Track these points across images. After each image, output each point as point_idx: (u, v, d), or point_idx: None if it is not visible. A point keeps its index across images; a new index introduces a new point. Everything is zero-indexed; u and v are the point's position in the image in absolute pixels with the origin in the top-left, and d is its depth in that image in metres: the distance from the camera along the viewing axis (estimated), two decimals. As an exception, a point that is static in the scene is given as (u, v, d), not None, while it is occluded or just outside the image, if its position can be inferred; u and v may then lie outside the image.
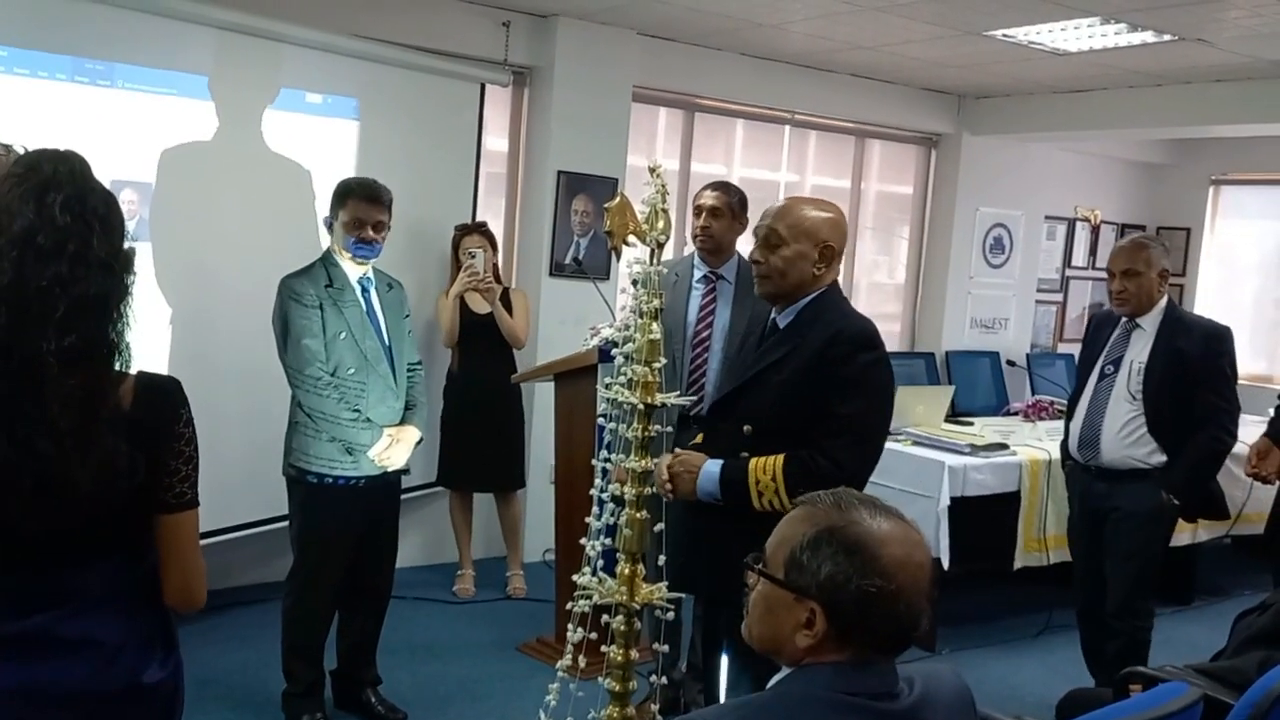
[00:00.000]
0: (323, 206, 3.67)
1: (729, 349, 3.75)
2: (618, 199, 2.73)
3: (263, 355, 3.66)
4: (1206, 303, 7.90)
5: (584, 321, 4.58)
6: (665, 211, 2.66)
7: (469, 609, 4.95)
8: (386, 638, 3.85)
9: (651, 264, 2.65)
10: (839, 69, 6.41)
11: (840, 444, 2.56)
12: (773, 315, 2.78)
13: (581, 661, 2.65)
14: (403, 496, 3.86)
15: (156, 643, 1.77)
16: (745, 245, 3.17)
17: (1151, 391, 3.77)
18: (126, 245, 1.71)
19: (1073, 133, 6.90)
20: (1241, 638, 2.85)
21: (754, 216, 3.03)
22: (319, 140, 4.64)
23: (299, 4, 4.65)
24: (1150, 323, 3.84)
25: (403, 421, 3.60)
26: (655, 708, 3.00)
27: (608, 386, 2.66)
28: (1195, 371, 3.74)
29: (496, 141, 5.61)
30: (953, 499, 4.57)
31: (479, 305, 4.94)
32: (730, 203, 3.92)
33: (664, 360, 2.66)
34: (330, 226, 3.57)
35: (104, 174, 1.74)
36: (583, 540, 2.72)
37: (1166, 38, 5.05)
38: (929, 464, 4.66)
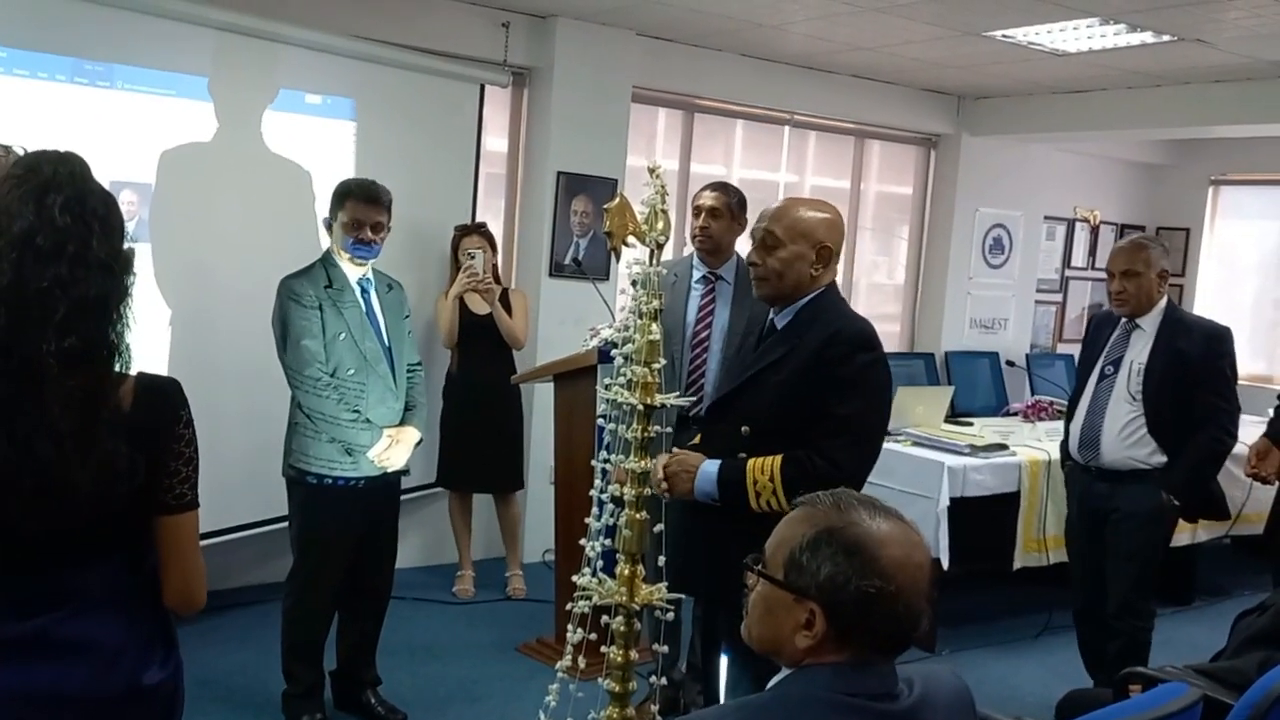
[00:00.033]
0: (322, 207, 3.67)
1: (728, 349, 3.75)
2: (617, 200, 2.72)
3: (262, 356, 3.66)
4: (1206, 303, 7.90)
5: (583, 322, 4.58)
6: (665, 212, 2.66)
7: (469, 610, 4.95)
8: (386, 638, 3.85)
9: (651, 265, 2.65)
10: (838, 70, 6.41)
11: (838, 444, 2.56)
12: (770, 316, 2.78)
13: (581, 662, 2.65)
14: (402, 497, 3.86)
15: (157, 644, 1.77)
16: (744, 246, 3.17)
17: (1151, 392, 3.77)
18: (126, 246, 1.71)
19: (1072, 133, 6.90)
20: (1241, 638, 2.86)
21: (753, 217, 3.03)
22: (318, 141, 4.64)
23: (298, 5, 4.65)
24: (1150, 323, 3.84)
25: (402, 422, 3.60)
26: (655, 708, 3.00)
27: (607, 387, 2.66)
28: (1195, 372, 3.74)
29: (496, 142, 5.61)
30: (952, 499, 4.57)
31: (478, 306, 4.94)
32: (729, 203, 3.92)
33: (663, 361, 2.66)
34: (329, 227, 3.57)
35: (103, 175, 1.74)
36: (582, 541, 2.72)
37: (1166, 38, 5.05)
38: (928, 464, 4.67)
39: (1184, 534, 4.83)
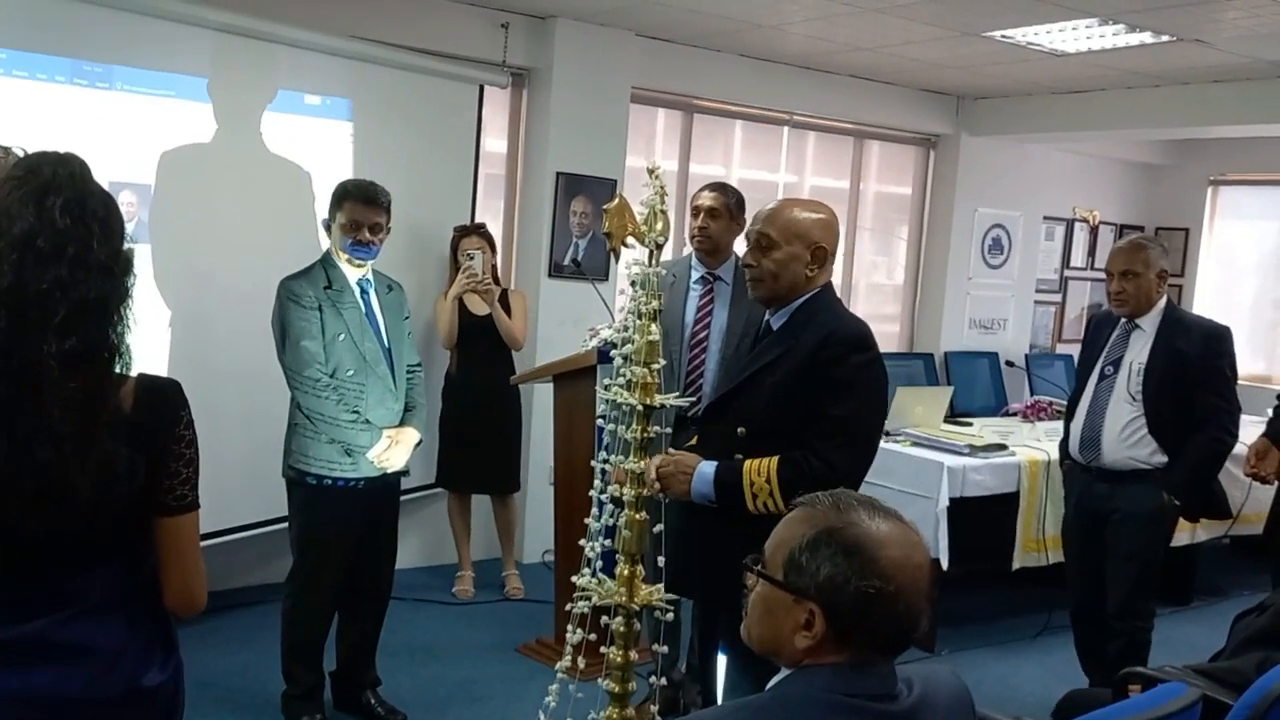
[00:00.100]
0: (322, 208, 3.67)
1: (726, 350, 3.76)
2: (616, 200, 2.73)
3: (262, 357, 3.66)
4: (1205, 303, 7.90)
5: (583, 323, 4.58)
6: (664, 213, 2.67)
7: (468, 610, 4.95)
8: (386, 639, 3.85)
9: (650, 265, 2.65)
10: (838, 70, 6.41)
11: (833, 445, 2.56)
12: (766, 317, 2.78)
13: (581, 663, 2.66)
14: (402, 498, 3.87)
15: (156, 646, 1.76)
16: (743, 246, 3.17)
17: (1151, 392, 3.77)
18: (126, 247, 1.71)
19: (1071, 133, 6.90)
20: (1240, 638, 2.86)
21: (751, 218, 3.04)
22: (318, 142, 4.64)
23: (298, 6, 4.65)
24: (1149, 323, 3.84)
25: (402, 423, 3.60)
26: (655, 709, 3.00)
27: (606, 388, 2.67)
28: (1195, 372, 3.75)
29: (495, 143, 5.61)
30: (952, 500, 4.57)
31: (478, 307, 4.94)
32: (728, 203, 3.92)
33: (663, 361, 2.66)
34: (328, 228, 3.57)
35: (103, 176, 1.74)
36: (582, 541, 2.72)
37: (1165, 39, 5.05)
38: (928, 465, 4.67)
39: (1183, 534, 4.83)
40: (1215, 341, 3.80)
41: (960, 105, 7.14)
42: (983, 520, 4.71)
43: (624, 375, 2.64)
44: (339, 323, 3.47)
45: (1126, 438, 3.80)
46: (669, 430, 2.81)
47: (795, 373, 2.61)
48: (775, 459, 2.57)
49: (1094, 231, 8.21)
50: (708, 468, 2.66)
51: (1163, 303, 3.86)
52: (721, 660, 2.83)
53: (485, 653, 4.44)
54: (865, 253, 7.34)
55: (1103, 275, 4.11)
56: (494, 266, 5.00)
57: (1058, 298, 8.14)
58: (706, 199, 3.93)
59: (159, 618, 1.77)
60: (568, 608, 2.71)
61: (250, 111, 4.42)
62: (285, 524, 3.76)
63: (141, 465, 1.66)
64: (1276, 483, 4.34)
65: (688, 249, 4.11)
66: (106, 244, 1.66)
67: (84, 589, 1.68)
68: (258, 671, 3.99)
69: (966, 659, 4.62)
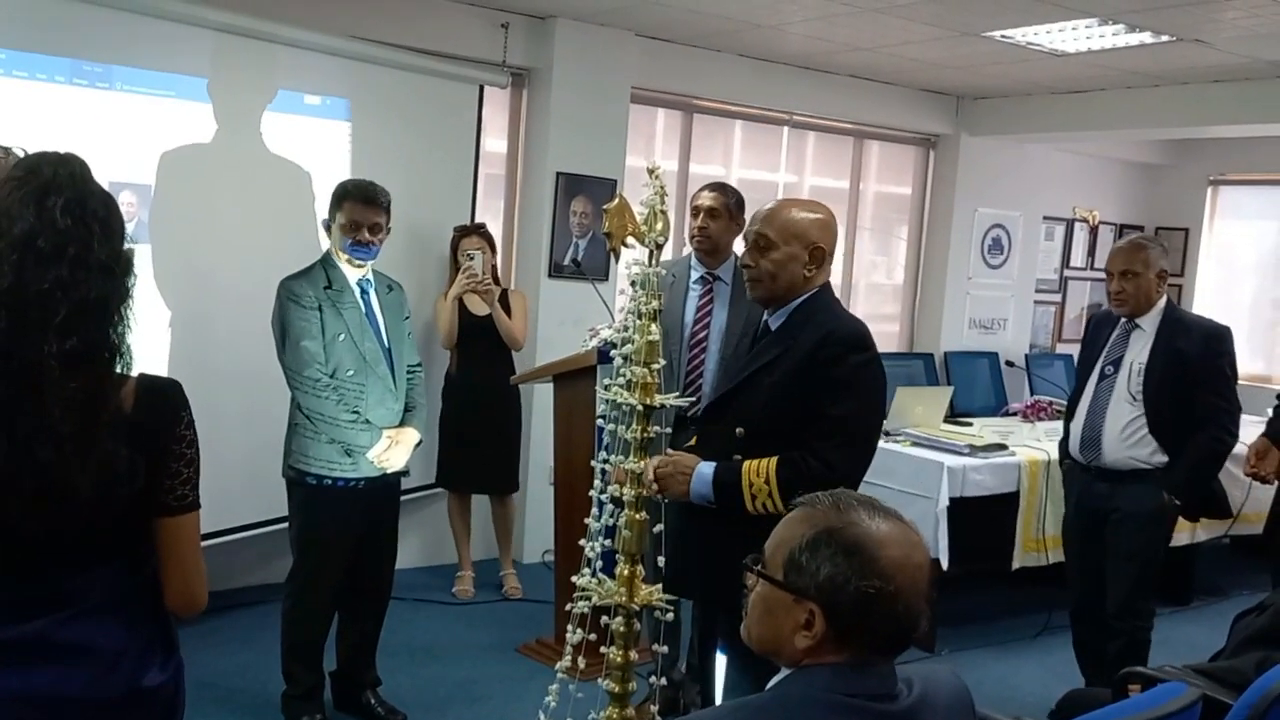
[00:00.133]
0: (322, 208, 3.67)
1: (726, 350, 3.76)
2: (616, 200, 2.73)
3: (262, 357, 3.66)
4: (1205, 303, 7.90)
5: (583, 323, 4.58)
6: (664, 213, 2.67)
7: (468, 610, 4.95)
8: (386, 639, 3.85)
9: (650, 265, 2.65)
10: (837, 70, 6.41)
11: (832, 445, 2.56)
12: (765, 317, 2.78)
13: (581, 663, 2.66)
14: (402, 498, 3.87)
15: (157, 647, 1.76)
16: (742, 246, 3.17)
17: (1151, 392, 3.77)
18: (126, 247, 1.71)
19: (1071, 133, 6.90)
20: (1240, 638, 2.86)
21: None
22: (318, 142, 4.64)
23: (297, 6, 4.65)
24: (1149, 323, 3.84)
25: (402, 423, 3.60)
26: (655, 709, 3.01)
27: (606, 388, 2.67)
28: (1195, 372, 3.75)
29: (495, 143, 5.62)
30: (952, 499, 4.57)
31: (478, 307, 4.94)
32: (727, 203, 3.92)
33: (663, 361, 2.66)
34: (328, 229, 3.57)
35: (103, 176, 1.74)
36: (582, 541, 2.72)
37: (1164, 38, 5.05)
38: (928, 465, 4.67)
39: (1183, 534, 4.84)
40: (1215, 341, 3.80)
41: (960, 105, 7.14)
42: (983, 520, 4.72)
43: (624, 375, 2.64)
44: (339, 323, 3.47)
45: (1127, 437, 3.80)
46: (669, 430, 2.82)
47: (793, 373, 2.61)
48: (774, 460, 2.57)
49: (1094, 231, 8.21)
50: (706, 468, 2.66)
51: (1163, 302, 3.86)
52: (720, 660, 2.84)
53: (485, 653, 4.44)
54: (865, 252, 7.34)
55: (1102, 275, 4.11)
56: (494, 266, 5.00)
57: (1057, 298, 8.15)
58: (706, 199, 3.93)
59: (159, 618, 1.77)
60: (568, 608, 2.71)
61: (250, 112, 4.42)
62: (285, 524, 3.76)
63: (142, 465, 1.66)
64: (1276, 482, 4.34)
65: (687, 249, 4.11)
66: (107, 244, 1.66)
67: (84, 589, 1.68)
68: (258, 671, 3.99)
69: (966, 659, 4.62)
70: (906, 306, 7.53)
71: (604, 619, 2.66)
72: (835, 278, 6.95)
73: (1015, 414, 6.04)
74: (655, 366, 2.63)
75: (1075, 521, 4.03)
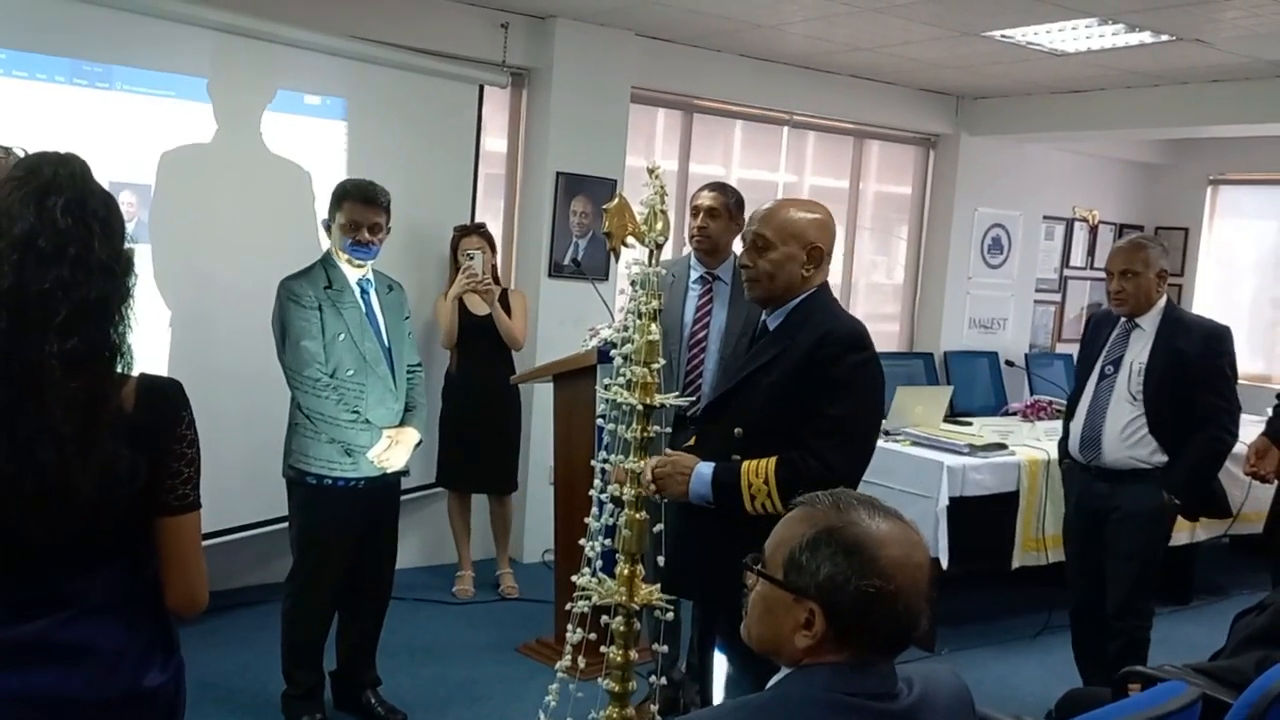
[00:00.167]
0: (322, 208, 3.67)
1: (725, 350, 3.76)
2: (616, 200, 2.73)
3: (262, 357, 3.66)
4: (1205, 302, 7.90)
5: (583, 322, 4.58)
6: (664, 213, 2.67)
7: (468, 610, 4.95)
8: (386, 639, 3.85)
9: (650, 265, 2.66)
10: (837, 70, 6.41)
11: (830, 445, 2.56)
12: (763, 317, 2.78)
13: (581, 662, 2.66)
14: (402, 498, 3.87)
15: (157, 647, 1.76)
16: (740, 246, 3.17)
17: (1152, 392, 3.77)
18: (126, 247, 1.71)
19: (1071, 133, 6.90)
20: (1240, 637, 2.86)
21: (750, 218, 3.03)
22: (318, 142, 4.65)
23: (298, 7, 4.65)
24: (1149, 323, 3.84)
25: (402, 423, 3.60)
26: (655, 708, 3.00)
27: (606, 387, 2.67)
28: (1195, 372, 3.75)
29: (495, 143, 5.62)
30: (951, 499, 4.57)
31: (478, 307, 4.94)
32: (727, 203, 3.92)
33: (662, 361, 2.66)
34: (328, 229, 3.57)
35: (102, 176, 1.73)
36: (582, 541, 2.72)
37: (1164, 38, 5.05)
38: (928, 464, 4.67)
39: (1183, 533, 4.84)
40: (1215, 341, 3.81)
41: (960, 105, 7.14)
42: (982, 520, 4.72)
43: (624, 375, 2.64)
44: (339, 322, 3.47)
45: (1127, 437, 3.80)
46: (669, 430, 2.82)
47: (791, 373, 2.61)
48: (772, 460, 2.57)
49: (1093, 231, 8.21)
50: (705, 469, 2.66)
51: (1162, 302, 3.86)
52: (718, 659, 2.84)
53: (485, 653, 4.44)
54: (865, 252, 7.34)
55: (1102, 275, 4.11)
56: (494, 266, 5.00)
57: (1057, 297, 8.15)
58: (706, 199, 3.93)
59: (160, 618, 1.77)
60: (568, 607, 2.71)
61: (250, 112, 4.42)
62: (285, 524, 3.76)
63: (143, 466, 1.66)
64: (1276, 481, 4.34)
65: (687, 249, 4.11)
66: (108, 244, 1.66)
67: (84, 589, 1.68)
68: (258, 671, 3.99)
69: (966, 658, 4.62)
70: (906, 306, 7.53)
71: (604, 618, 2.66)
72: (835, 277, 6.98)
73: (1015, 413, 6.04)
74: (655, 366, 2.63)
75: (1075, 521, 4.03)
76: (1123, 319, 3.90)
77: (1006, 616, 5.15)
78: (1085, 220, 8.15)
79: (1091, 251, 8.19)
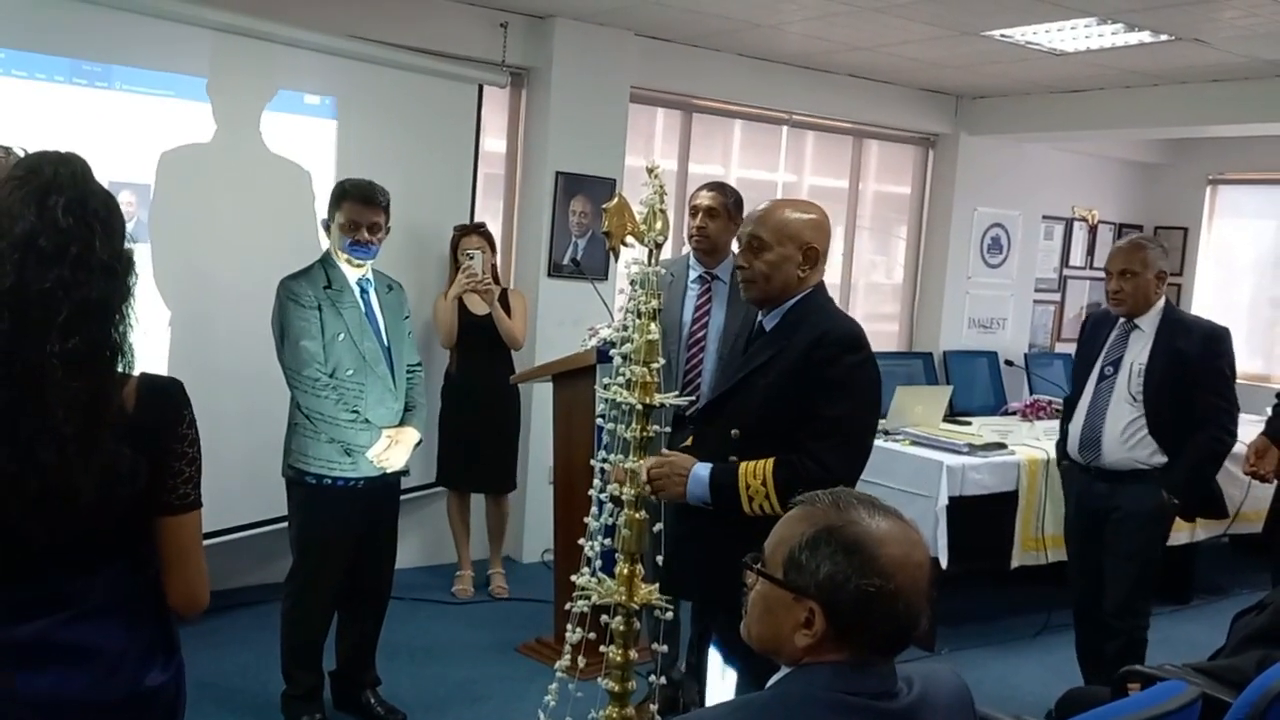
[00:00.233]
0: (322, 208, 3.68)
1: (724, 349, 3.76)
2: (616, 200, 2.73)
3: (262, 357, 3.66)
4: (1204, 302, 7.91)
5: (582, 322, 4.58)
6: (663, 212, 2.67)
7: (468, 610, 4.95)
8: (386, 639, 3.85)
9: (650, 265, 2.66)
10: (836, 69, 6.42)
11: (827, 445, 2.56)
12: (759, 318, 2.78)
13: (580, 662, 2.66)
14: (402, 497, 3.86)
15: (158, 648, 1.76)
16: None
17: (1152, 393, 3.77)
18: (127, 247, 1.71)
19: (1070, 133, 6.91)
20: (1240, 636, 2.86)
21: (749, 218, 3.03)
22: (317, 142, 4.65)
23: (297, 6, 4.65)
24: (1149, 324, 3.84)
25: (402, 423, 3.60)
26: (654, 708, 3.01)
27: (606, 387, 2.67)
28: (1195, 372, 3.75)
29: (494, 143, 5.62)
30: (951, 498, 4.57)
31: (477, 306, 4.94)
32: (726, 203, 3.92)
33: (662, 360, 2.66)
34: (327, 228, 3.57)
35: (102, 176, 1.73)
36: (581, 541, 2.72)
37: (1163, 38, 5.06)
38: (927, 464, 4.67)
39: (1183, 533, 4.84)
40: (1215, 342, 3.81)
41: (959, 105, 7.14)
42: (982, 519, 4.72)
43: (623, 374, 2.64)
44: (338, 322, 3.47)
45: (1127, 439, 3.80)
46: (668, 429, 2.82)
47: (788, 374, 2.61)
48: (770, 461, 2.56)
49: (1093, 231, 8.21)
50: (703, 470, 2.65)
51: (1161, 303, 3.86)
52: (712, 658, 2.84)
53: (485, 652, 4.44)
54: (864, 252, 7.34)
55: (1102, 274, 4.11)
56: (494, 266, 5.00)
57: (1057, 297, 8.15)
58: (704, 198, 3.93)
59: (161, 618, 1.77)
60: (567, 607, 2.71)
61: (249, 111, 4.42)
62: (285, 524, 3.76)
63: (144, 466, 1.66)
64: (1276, 481, 4.34)
65: (686, 248, 4.11)
66: (108, 243, 1.66)
67: (85, 590, 1.68)
68: (258, 671, 3.99)
69: (966, 658, 4.62)
70: (906, 306, 7.53)
71: (603, 618, 2.66)
72: (835, 277, 6.99)
73: (1014, 413, 6.05)
74: (654, 366, 2.63)
75: (1076, 522, 4.03)
76: (1121, 320, 3.90)
77: (1006, 616, 5.15)
78: (1084, 220, 8.15)
79: (1091, 251, 8.19)
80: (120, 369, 1.68)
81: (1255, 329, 7.94)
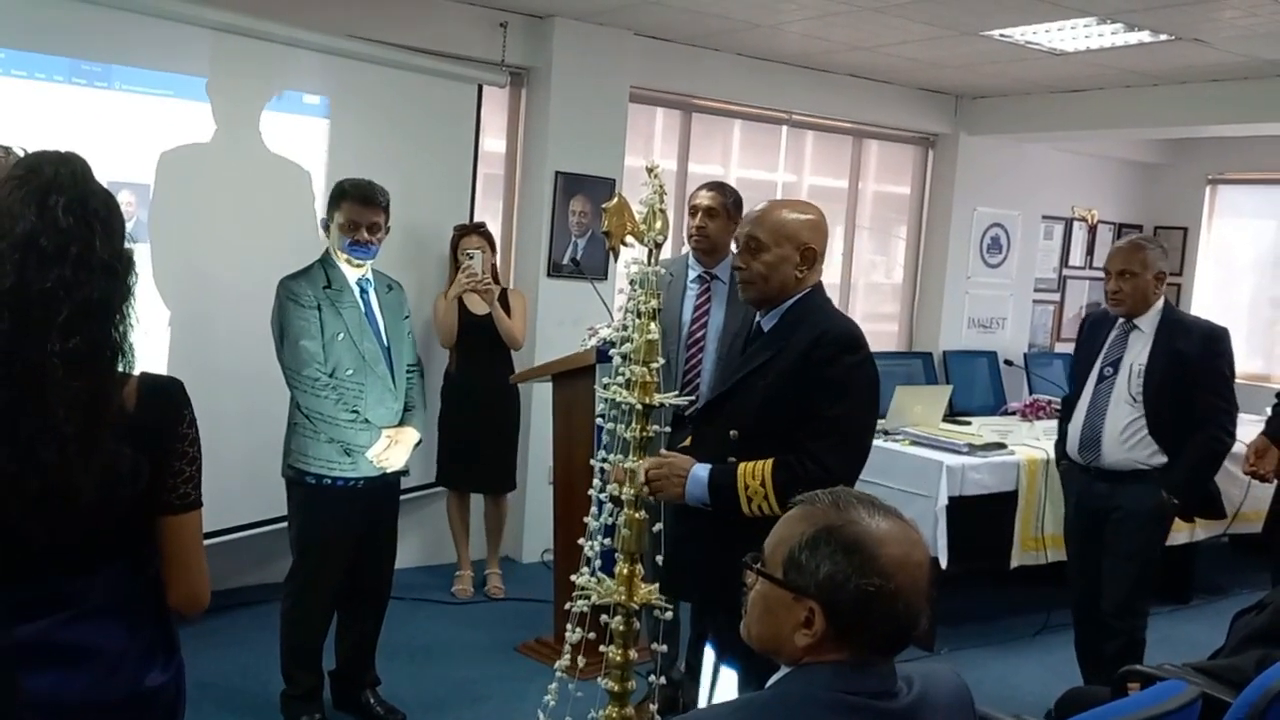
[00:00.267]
0: (321, 208, 3.68)
1: (723, 349, 3.76)
2: (615, 199, 2.73)
3: (261, 357, 3.66)
4: (1204, 302, 7.91)
5: (582, 322, 4.58)
6: (663, 212, 2.67)
7: (468, 610, 4.95)
8: (385, 639, 3.85)
9: (649, 264, 2.66)
10: (836, 69, 6.42)
11: (826, 446, 2.56)
12: (757, 319, 2.78)
13: (580, 662, 2.66)
14: (401, 497, 3.86)
15: (158, 648, 1.76)
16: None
17: (1152, 393, 3.77)
18: (127, 246, 1.70)
19: (1069, 132, 6.91)
20: (1239, 636, 2.86)
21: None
22: (317, 141, 4.65)
23: (297, 6, 4.65)
24: (1148, 324, 3.84)
25: (401, 423, 3.60)
26: (654, 708, 3.01)
27: (606, 387, 2.67)
28: (1194, 373, 3.75)
29: (494, 142, 5.62)
30: (950, 498, 4.57)
31: (477, 306, 4.94)
32: (725, 203, 3.92)
33: (661, 360, 2.66)
34: (327, 228, 3.57)
35: (101, 176, 1.73)
36: (581, 540, 2.72)
37: (1163, 38, 5.06)
38: (927, 463, 4.67)
39: (1182, 533, 4.84)
40: (1214, 342, 3.81)
41: (959, 104, 7.14)
42: (981, 519, 4.72)
43: (623, 374, 2.64)
44: (338, 322, 3.47)
45: (1127, 439, 3.80)
46: (668, 429, 2.81)
47: (787, 374, 2.61)
48: (769, 462, 2.56)
49: (1092, 231, 8.21)
50: (701, 471, 2.65)
51: (1160, 303, 3.86)
52: (708, 658, 2.83)
53: (485, 652, 4.44)
54: (864, 252, 7.34)
55: (1101, 274, 4.11)
56: (494, 266, 5.00)
57: (1056, 297, 8.15)
58: (704, 198, 3.93)
59: (161, 619, 1.77)
60: (567, 607, 2.71)
61: (249, 111, 4.42)
62: (285, 524, 3.75)
63: (145, 466, 1.66)
64: (1275, 481, 4.35)
65: (686, 248, 4.11)
66: (109, 243, 1.66)
67: (85, 590, 1.68)
68: (258, 671, 3.99)
69: (966, 658, 4.62)
70: (905, 306, 7.53)
71: (603, 618, 2.66)
72: (834, 277, 6.99)
73: (1014, 413, 6.04)
74: (654, 365, 2.63)
75: (1076, 522, 4.03)
76: (1120, 320, 3.90)
77: (1006, 616, 5.15)
78: (1084, 220, 8.15)
79: (1090, 251, 8.19)
80: (121, 369, 1.67)
81: (1255, 329, 7.94)
